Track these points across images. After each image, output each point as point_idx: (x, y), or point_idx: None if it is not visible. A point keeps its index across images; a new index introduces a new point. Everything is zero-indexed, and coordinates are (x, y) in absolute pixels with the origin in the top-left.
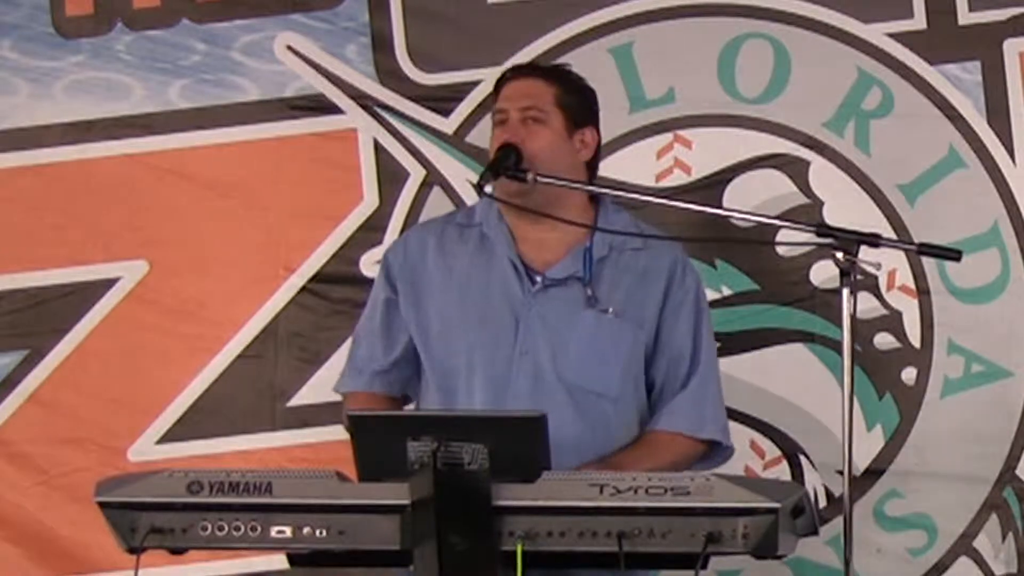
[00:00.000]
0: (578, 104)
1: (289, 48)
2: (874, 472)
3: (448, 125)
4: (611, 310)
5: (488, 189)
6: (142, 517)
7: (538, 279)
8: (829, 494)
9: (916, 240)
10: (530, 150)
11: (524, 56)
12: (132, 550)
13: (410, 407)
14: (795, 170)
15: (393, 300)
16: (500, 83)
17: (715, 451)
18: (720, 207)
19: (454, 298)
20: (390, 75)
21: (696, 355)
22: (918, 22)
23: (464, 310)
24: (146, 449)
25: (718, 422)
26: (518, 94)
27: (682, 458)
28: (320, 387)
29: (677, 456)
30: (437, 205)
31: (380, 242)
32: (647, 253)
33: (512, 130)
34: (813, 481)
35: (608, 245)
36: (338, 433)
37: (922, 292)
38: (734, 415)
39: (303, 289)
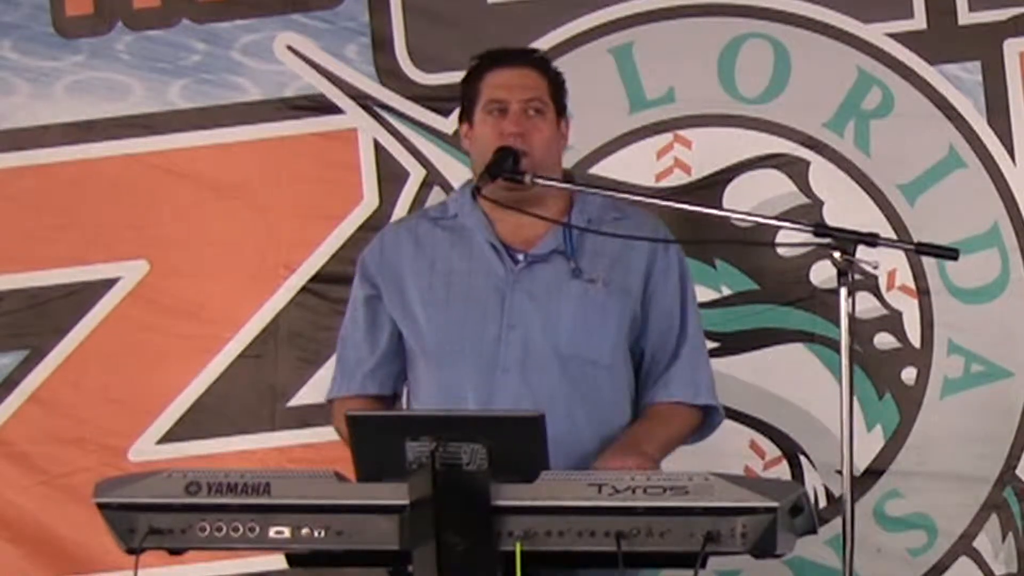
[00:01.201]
0: (561, 94)
1: (289, 48)
2: (874, 472)
3: (448, 125)
4: (597, 280)
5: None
6: (141, 518)
7: (520, 257)
8: (829, 494)
9: (916, 240)
10: (535, 143)
11: None
12: (131, 551)
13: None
14: (795, 170)
15: (374, 296)
16: (485, 68)
17: (709, 415)
18: (720, 207)
19: (438, 286)
20: (390, 75)
21: (684, 323)
22: (918, 22)
23: (449, 296)
24: (146, 449)
25: (710, 387)
26: (518, 84)
27: (687, 427)
28: (320, 387)
29: (683, 426)
30: None
31: None
32: (627, 223)
33: (516, 121)
34: (813, 481)
35: (587, 218)
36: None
37: (922, 292)
38: (734, 415)
39: (303, 289)
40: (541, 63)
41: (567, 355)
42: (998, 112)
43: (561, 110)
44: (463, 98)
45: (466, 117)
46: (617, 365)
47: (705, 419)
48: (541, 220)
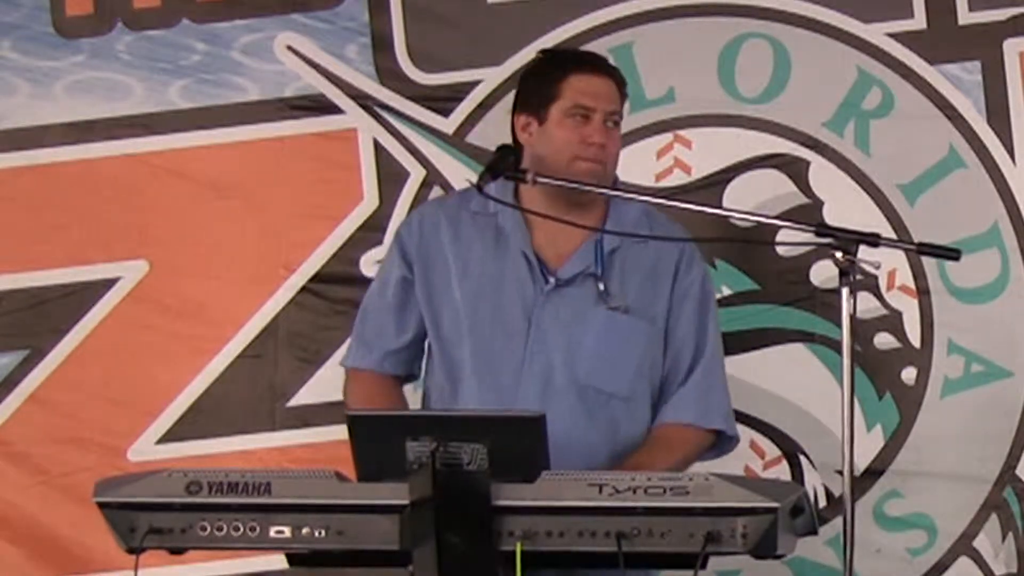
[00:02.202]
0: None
1: (289, 48)
2: (874, 472)
3: (448, 125)
4: (623, 308)
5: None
6: (141, 517)
7: (551, 279)
8: (829, 494)
9: (916, 240)
10: (610, 156)
11: (524, 57)
12: (131, 550)
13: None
14: (795, 170)
15: (408, 279)
16: (569, 69)
17: (722, 441)
18: (720, 207)
19: (467, 291)
20: (390, 75)
21: (700, 345)
22: (918, 22)
23: (476, 307)
24: (146, 449)
25: (724, 411)
26: (605, 95)
27: (693, 451)
28: (320, 387)
29: (688, 451)
30: None
31: (380, 242)
32: (656, 242)
33: (600, 131)
34: (813, 481)
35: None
36: (338, 433)
37: (922, 292)
38: (734, 415)
39: (303, 289)
40: (619, 75)
41: (585, 386)
42: (998, 112)
43: None
44: (532, 88)
45: (532, 109)
46: (637, 397)
47: (717, 442)
48: (576, 229)
